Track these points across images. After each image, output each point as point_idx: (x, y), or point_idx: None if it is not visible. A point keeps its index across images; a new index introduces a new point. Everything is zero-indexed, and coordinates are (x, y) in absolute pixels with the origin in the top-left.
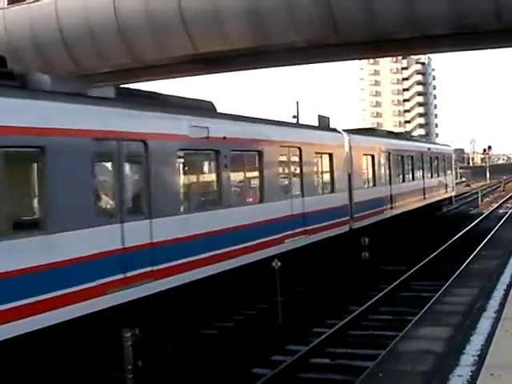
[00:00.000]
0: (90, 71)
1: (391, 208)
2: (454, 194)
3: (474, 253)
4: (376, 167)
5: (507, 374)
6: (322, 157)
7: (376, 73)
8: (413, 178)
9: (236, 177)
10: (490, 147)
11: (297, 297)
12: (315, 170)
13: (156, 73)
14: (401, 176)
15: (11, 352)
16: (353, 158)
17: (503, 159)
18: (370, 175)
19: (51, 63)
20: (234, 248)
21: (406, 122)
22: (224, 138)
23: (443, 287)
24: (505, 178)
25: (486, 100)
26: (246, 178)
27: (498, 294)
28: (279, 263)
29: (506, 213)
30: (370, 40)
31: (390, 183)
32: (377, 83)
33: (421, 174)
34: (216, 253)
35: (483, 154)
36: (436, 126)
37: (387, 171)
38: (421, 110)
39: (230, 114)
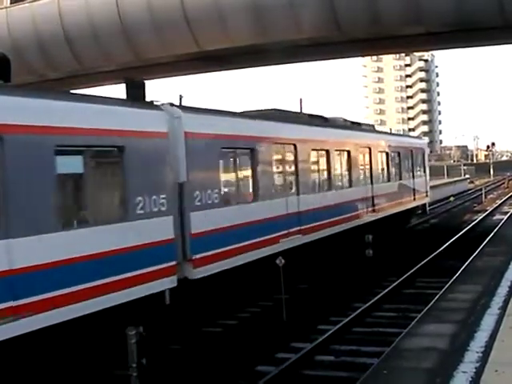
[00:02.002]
0: (93, 70)
1: (299, 232)
2: (427, 200)
3: (478, 250)
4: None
5: (511, 371)
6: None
7: (379, 70)
8: (349, 184)
9: None
10: (493, 144)
11: (301, 294)
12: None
13: (159, 71)
14: (319, 182)
15: (18, 349)
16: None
17: (507, 156)
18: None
19: (54, 62)
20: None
21: (410, 118)
22: None
23: (447, 284)
24: (508, 174)
25: (489, 97)
26: None
27: (502, 290)
28: (283, 261)
29: (511, 209)
30: (373, 37)
31: (298, 192)
32: (380, 80)
33: (366, 176)
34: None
35: (487, 150)
36: (439, 123)
37: (284, 176)
38: (424, 106)
39: None
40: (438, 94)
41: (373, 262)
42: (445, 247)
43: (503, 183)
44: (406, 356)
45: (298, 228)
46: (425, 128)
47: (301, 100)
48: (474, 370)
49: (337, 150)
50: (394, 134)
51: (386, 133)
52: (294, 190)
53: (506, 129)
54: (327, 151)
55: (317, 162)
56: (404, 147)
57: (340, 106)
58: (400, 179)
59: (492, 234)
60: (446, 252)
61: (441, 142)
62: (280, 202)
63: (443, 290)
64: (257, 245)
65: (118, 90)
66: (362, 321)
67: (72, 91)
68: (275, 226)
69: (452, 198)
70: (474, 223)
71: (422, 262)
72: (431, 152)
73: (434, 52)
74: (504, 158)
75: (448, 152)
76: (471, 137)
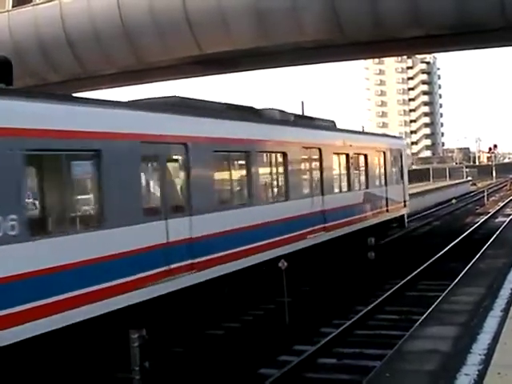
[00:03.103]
0: (95, 73)
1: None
2: (405, 211)
3: (481, 252)
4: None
5: None
6: None
7: (381, 72)
8: (285, 197)
9: None
10: (495, 146)
11: (303, 297)
12: None
13: (161, 74)
14: (228, 196)
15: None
16: None
17: (509, 158)
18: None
19: (56, 65)
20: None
21: (412, 121)
22: None
23: (450, 286)
24: (511, 176)
25: (491, 99)
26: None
27: (505, 292)
28: (286, 264)
29: None
30: (375, 40)
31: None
32: (382, 83)
33: (314, 185)
34: None
35: (489, 152)
36: (441, 126)
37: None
38: (426, 109)
39: None
40: (440, 96)
41: (375, 264)
42: (447, 250)
43: (505, 185)
44: (409, 358)
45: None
46: (427, 130)
47: (302, 103)
48: (477, 373)
49: (264, 152)
50: (359, 133)
51: (348, 131)
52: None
53: (509, 131)
54: (247, 153)
55: (225, 169)
56: (373, 148)
57: (342, 109)
58: (366, 187)
59: (494, 236)
60: (448, 254)
61: (443, 144)
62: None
63: (446, 292)
64: None
65: (121, 93)
66: (365, 323)
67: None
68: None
69: (454, 201)
70: (476, 225)
71: (425, 265)
72: (433, 154)
73: (436, 54)
74: (506, 160)
75: (450, 154)
76: (473, 139)
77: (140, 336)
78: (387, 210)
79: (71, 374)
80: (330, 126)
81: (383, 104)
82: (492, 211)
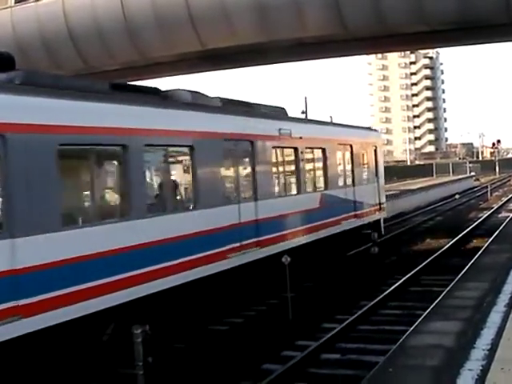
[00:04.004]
0: (97, 69)
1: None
2: (381, 216)
3: (484, 247)
4: None
5: None
6: None
7: (384, 68)
8: (193, 204)
9: None
10: (499, 141)
11: (307, 292)
12: None
13: (164, 70)
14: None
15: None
16: None
17: None
18: None
19: (59, 61)
20: None
21: (415, 116)
22: None
23: (453, 282)
24: None
25: (494, 94)
26: None
27: (508, 287)
28: (289, 259)
29: None
30: (377, 35)
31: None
32: (385, 78)
33: (242, 189)
34: None
35: (492, 148)
36: (445, 121)
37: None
38: (429, 104)
39: None
40: (444, 91)
41: (378, 260)
42: (450, 245)
43: (509, 180)
44: (412, 354)
45: None
46: (430, 125)
47: (305, 98)
48: (480, 368)
49: (160, 147)
50: (315, 123)
51: (299, 120)
52: None
53: None
54: (124, 147)
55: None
56: (335, 141)
57: (345, 105)
58: (325, 189)
59: (498, 231)
60: (452, 249)
61: (446, 139)
62: None
63: (449, 287)
64: None
65: None
66: (368, 319)
67: None
68: None
69: (457, 196)
70: (479, 221)
71: (428, 260)
72: (437, 149)
73: (439, 49)
74: (510, 156)
75: (453, 149)
76: (477, 134)
77: (143, 331)
78: (356, 216)
79: (76, 369)
80: (272, 113)
81: (386, 99)
82: (495, 206)
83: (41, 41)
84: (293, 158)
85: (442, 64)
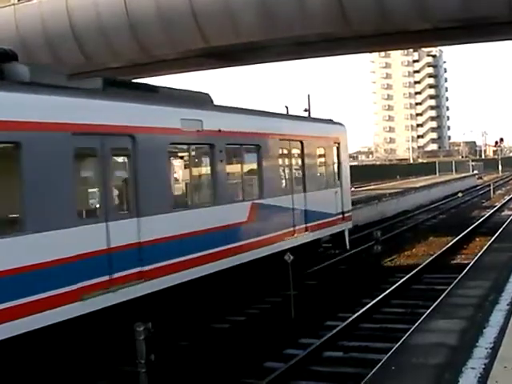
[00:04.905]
0: (101, 66)
1: None
2: (345, 227)
3: (487, 245)
4: None
5: None
6: None
7: (387, 66)
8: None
9: None
10: (501, 139)
11: (309, 290)
12: None
13: (167, 67)
14: None
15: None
16: None
17: None
18: None
19: (62, 59)
20: None
21: (418, 114)
22: None
23: (456, 280)
24: None
25: (497, 92)
26: None
27: (511, 286)
28: (292, 257)
29: None
30: (381, 32)
31: None
32: (388, 76)
33: (114, 203)
34: None
35: (495, 146)
36: (448, 119)
37: None
38: (432, 102)
39: None
40: (447, 89)
41: (380, 258)
42: (453, 243)
43: None
44: (415, 352)
45: None
46: (433, 124)
47: (308, 96)
48: (483, 367)
49: None
50: (248, 111)
51: (222, 108)
52: None
53: None
54: None
55: None
56: (278, 136)
57: (348, 103)
58: (260, 197)
59: (500, 229)
60: (454, 248)
61: (449, 137)
62: None
63: (451, 285)
64: None
65: None
66: (371, 317)
67: None
68: None
69: (460, 194)
70: (482, 219)
71: (430, 258)
72: (440, 148)
73: (442, 47)
74: None
75: (456, 148)
76: (479, 132)
77: (145, 329)
78: (307, 229)
79: (78, 367)
80: (178, 99)
81: (389, 97)
82: (498, 205)
83: (44, 38)
84: (206, 157)
85: (445, 62)
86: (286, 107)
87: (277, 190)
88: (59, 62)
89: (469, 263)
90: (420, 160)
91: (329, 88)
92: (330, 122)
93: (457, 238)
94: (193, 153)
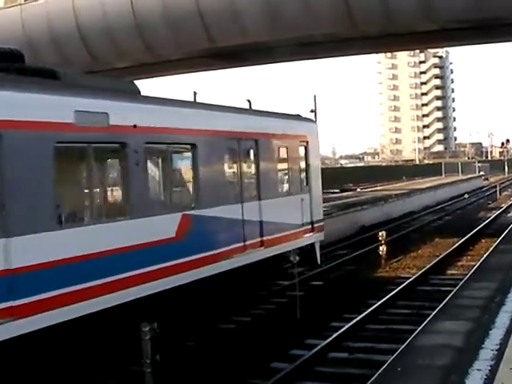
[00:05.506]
0: (107, 66)
1: None
2: (315, 239)
3: (493, 247)
4: None
5: None
6: None
7: (393, 66)
8: None
9: None
10: (508, 140)
11: (315, 291)
12: None
13: (173, 67)
14: None
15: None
16: None
17: None
18: None
19: (68, 58)
20: None
21: (424, 115)
22: None
23: (461, 281)
24: None
25: (504, 93)
26: None
27: None
28: (298, 257)
29: None
30: (387, 33)
31: None
32: (394, 77)
33: None
34: None
35: (501, 147)
36: (454, 120)
37: None
38: (438, 103)
39: None
40: (453, 90)
41: (386, 259)
42: (459, 244)
43: None
44: (421, 353)
45: None
46: (439, 125)
47: (315, 96)
48: (489, 368)
49: None
50: (180, 103)
51: (141, 99)
52: None
53: None
54: None
55: None
56: (221, 133)
57: (355, 104)
58: (195, 207)
59: (506, 231)
60: (460, 249)
61: (455, 138)
62: None
63: (457, 287)
64: None
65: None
66: (376, 318)
67: None
68: None
69: (466, 195)
70: (488, 220)
71: (436, 260)
72: (446, 149)
73: (449, 48)
74: None
75: (462, 149)
76: (486, 134)
77: (151, 329)
78: (261, 244)
79: (85, 366)
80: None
81: (395, 98)
82: (504, 206)
83: (50, 38)
84: (115, 159)
85: (451, 63)
86: (249, 101)
87: (219, 198)
88: (66, 62)
89: (475, 265)
90: (426, 161)
91: (335, 89)
92: (297, 117)
93: (463, 240)
94: (93, 154)
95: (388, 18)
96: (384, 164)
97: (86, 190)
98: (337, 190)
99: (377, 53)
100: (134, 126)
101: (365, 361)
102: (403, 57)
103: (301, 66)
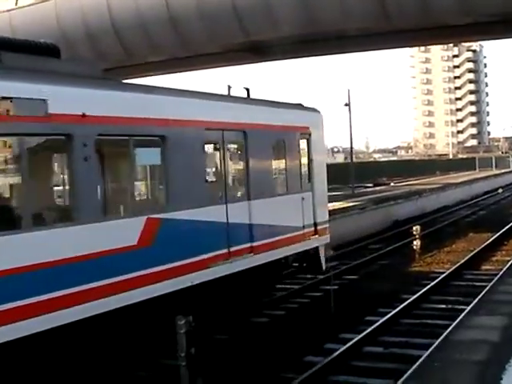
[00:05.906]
0: (141, 60)
1: None
2: (318, 243)
3: None
4: None
5: None
6: None
7: (427, 60)
8: None
9: None
10: None
11: (349, 285)
12: None
13: (206, 61)
14: None
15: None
16: None
17: None
18: None
19: (103, 53)
20: None
21: (458, 109)
22: None
23: (497, 276)
24: None
25: None
26: None
27: None
28: (332, 252)
29: None
30: (421, 27)
31: None
32: (428, 71)
33: None
34: None
35: None
36: (487, 114)
37: None
38: (472, 97)
39: None
40: (487, 84)
41: (420, 253)
42: (493, 239)
43: None
44: (457, 348)
45: None
46: (473, 119)
47: (348, 90)
48: None
49: None
50: (147, 89)
51: (105, 84)
52: None
53: None
54: None
55: None
56: (200, 123)
57: (388, 97)
58: (166, 210)
59: None
60: (495, 244)
61: (489, 133)
62: None
63: (493, 282)
64: None
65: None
66: (410, 312)
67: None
68: None
69: (500, 190)
70: None
71: (470, 254)
72: (479, 143)
73: (483, 42)
74: None
75: (496, 143)
76: None
77: (186, 322)
78: (251, 250)
79: (118, 359)
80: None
81: (429, 92)
82: None
83: (85, 32)
84: (56, 154)
85: (485, 57)
86: (229, 86)
87: (196, 199)
88: (100, 56)
89: (509, 260)
90: (459, 155)
91: (369, 83)
92: (298, 106)
93: (497, 235)
94: (28, 148)
95: (423, 12)
96: (417, 158)
97: (18, 191)
98: (370, 185)
99: (410, 47)
100: (83, 116)
101: (400, 355)
102: (436, 51)
103: (335, 61)
